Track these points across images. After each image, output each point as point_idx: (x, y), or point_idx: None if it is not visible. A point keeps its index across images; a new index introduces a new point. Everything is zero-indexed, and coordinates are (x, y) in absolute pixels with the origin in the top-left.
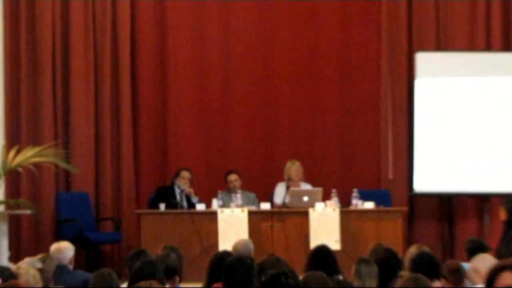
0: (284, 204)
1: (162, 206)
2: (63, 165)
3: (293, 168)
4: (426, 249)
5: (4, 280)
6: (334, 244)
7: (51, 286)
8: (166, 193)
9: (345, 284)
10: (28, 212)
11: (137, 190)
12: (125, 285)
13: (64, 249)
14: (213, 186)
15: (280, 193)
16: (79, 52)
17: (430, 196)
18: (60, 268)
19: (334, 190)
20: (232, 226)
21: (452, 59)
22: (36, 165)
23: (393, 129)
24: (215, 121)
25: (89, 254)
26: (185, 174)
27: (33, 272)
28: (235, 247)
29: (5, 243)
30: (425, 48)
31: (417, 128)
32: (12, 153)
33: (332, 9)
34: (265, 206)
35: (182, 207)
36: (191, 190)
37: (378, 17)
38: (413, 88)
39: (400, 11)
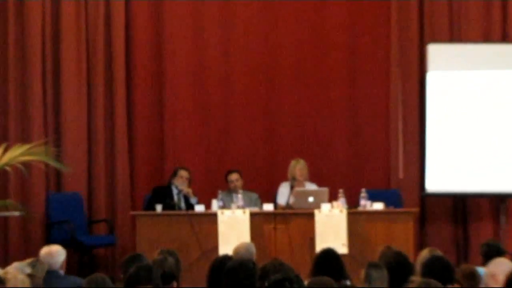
0: (288, 205)
1: (158, 208)
2: (53, 164)
3: (298, 167)
4: (439, 252)
5: None
6: (341, 248)
7: None
8: (163, 194)
9: None
10: (16, 213)
11: (132, 191)
12: None
13: (55, 253)
14: (212, 186)
15: (283, 194)
16: (70, 46)
17: (443, 196)
18: (51, 273)
19: (341, 190)
20: (233, 229)
21: (466, 51)
22: (25, 164)
23: (404, 125)
24: (215, 117)
25: (81, 258)
26: (183, 173)
27: (22, 277)
28: (236, 251)
29: None
30: (438, 39)
31: (429, 124)
32: None
33: None
34: (268, 207)
35: (180, 208)
36: (190, 190)
37: (388, 6)
38: (424, 82)
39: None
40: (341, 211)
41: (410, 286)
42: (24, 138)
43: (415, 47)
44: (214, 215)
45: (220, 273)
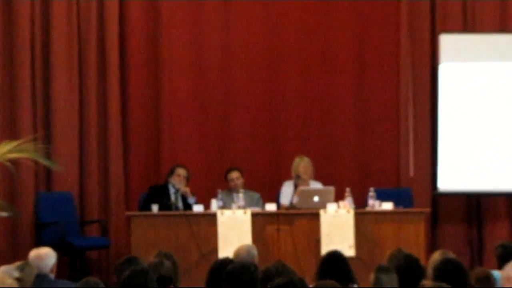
0: (291, 205)
1: (154, 208)
2: (43, 161)
3: (302, 164)
4: (452, 255)
5: None
6: (348, 250)
7: None
8: (159, 193)
9: None
10: (4, 214)
11: (127, 190)
12: None
13: (45, 256)
14: (212, 185)
15: (287, 193)
16: (60, 37)
17: (456, 195)
18: (40, 278)
19: (348, 189)
20: (234, 230)
21: (480, 41)
22: (13, 161)
23: (414, 120)
24: (215, 112)
25: (73, 261)
26: (181, 171)
27: (10, 281)
28: (237, 253)
29: None
30: (450, 29)
31: (441, 119)
32: None
33: None
34: (271, 207)
35: (177, 208)
36: (188, 190)
37: None
38: (436, 75)
39: None
40: (348, 211)
41: None
42: (12, 134)
43: (426, 37)
44: (214, 216)
45: (220, 277)
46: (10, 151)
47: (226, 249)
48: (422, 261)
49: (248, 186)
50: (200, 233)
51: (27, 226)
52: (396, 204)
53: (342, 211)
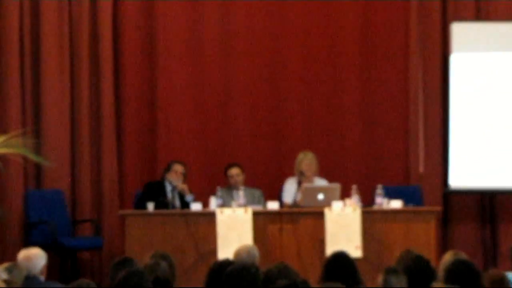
0: (295, 203)
1: (150, 206)
2: (32, 157)
3: (306, 160)
4: (464, 256)
5: None
6: (355, 251)
7: None
8: (155, 191)
9: None
10: None
11: (121, 188)
12: None
13: (34, 257)
14: (211, 182)
15: (290, 190)
16: (51, 25)
17: (469, 193)
18: (30, 280)
19: (354, 187)
20: (234, 229)
21: (494, 30)
22: (1, 157)
23: (424, 113)
24: (214, 105)
25: (64, 262)
26: (178, 167)
27: None
28: (237, 254)
29: None
30: (462, 17)
31: (452, 113)
32: None
33: None
34: (273, 205)
35: (174, 206)
36: (185, 187)
37: None
38: (448, 65)
39: None
40: (354, 209)
41: None
42: None
43: (437, 26)
44: (213, 215)
45: (219, 279)
46: None
47: (225, 250)
48: (433, 263)
49: (249, 183)
50: (198, 232)
51: (15, 225)
52: (405, 202)
53: (348, 209)
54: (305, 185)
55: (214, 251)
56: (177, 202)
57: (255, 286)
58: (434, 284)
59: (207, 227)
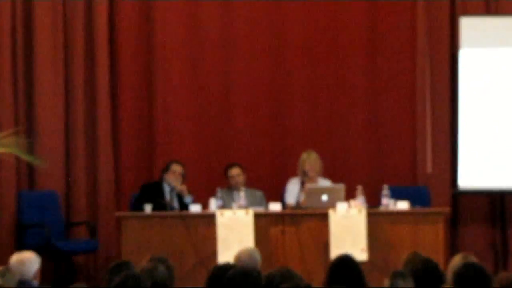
0: (298, 205)
1: (148, 208)
2: (25, 157)
3: (309, 160)
4: (474, 259)
5: None
6: (360, 254)
7: None
8: (152, 192)
9: None
10: None
11: (117, 189)
12: None
13: (28, 261)
14: (210, 183)
15: (293, 191)
16: (44, 21)
17: (478, 193)
18: (23, 284)
19: (359, 187)
20: (234, 232)
21: (504, 25)
22: None
23: (432, 111)
24: (214, 103)
25: (58, 266)
26: (176, 167)
27: None
28: (238, 258)
29: None
30: (471, 11)
31: (461, 110)
32: None
33: None
34: (275, 207)
35: (172, 208)
36: (184, 188)
37: None
38: (456, 62)
39: None
40: (359, 211)
41: None
42: None
43: (445, 20)
44: (212, 217)
45: (220, 284)
46: None
47: (226, 253)
48: (441, 266)
49: (250, 183)
50: (198, 235)
51: (8, 228)
52: (413, 203)
53: (353, 211)
54: (309, 185)
55: (214, 255)
56: (176, 204)
57: None
58: None
59: (207, 230)
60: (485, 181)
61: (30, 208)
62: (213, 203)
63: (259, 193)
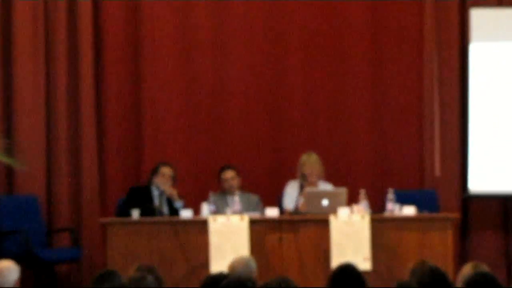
0: (296, 210)
1: (135, 213)
2: (4, 159)
3: (309, 162)
4: (485, 268)
5: None
6: (363, 263)
7: None
8: (140, 196)
9: None
10: None
11: (102, 193)
12: None
13: (6, 270)
14: (202, 186)
15: (291, 195)
16: (24, 14)
17: (490, 198)
18: None
19: (362, 191)
20: (228, 239)
21: None
22: None
23: (441, 109)
24: (205, 103)
25: (39, 276)
26: (166, 170)
27: None
28: (232, 267)
29: None
30: (482, 3)
31: (472, 108)
32: None
33: None
34: (272, 212)
35: (161, 213)
36: (174, 192)
37: None
38: (466, 56)
39: None
40: (362, 217)
41: None
42: None
43: (454, 13)
44: (205, 223)
45: None
46: None
47: (219, 262)
48: (450, 276)
49: (245, 187)
50: (189, 243)
51: None
52: (420, 208)
53: (356, 216)
54: (308, 189)
55: (206, 264)
56: (165, 209)
57: None
58: None
59: (199, 237)
60: (497, 184)
61: (8, 214)
62: (205, 208)
63: (254, 198)
